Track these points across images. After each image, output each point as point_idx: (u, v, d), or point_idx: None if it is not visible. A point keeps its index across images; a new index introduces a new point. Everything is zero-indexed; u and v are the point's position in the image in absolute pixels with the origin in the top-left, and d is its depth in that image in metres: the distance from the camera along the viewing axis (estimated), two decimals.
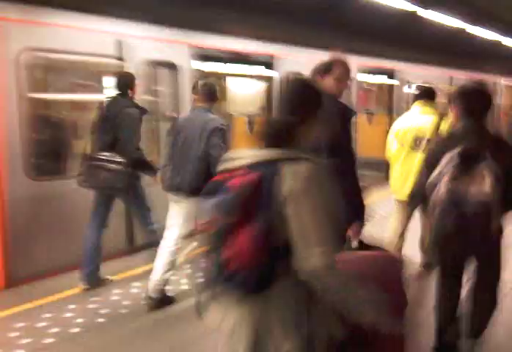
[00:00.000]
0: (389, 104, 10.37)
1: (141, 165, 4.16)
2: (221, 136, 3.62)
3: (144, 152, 4.33)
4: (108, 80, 5.33)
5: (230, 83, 9.61)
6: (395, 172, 4.31)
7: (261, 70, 7.22)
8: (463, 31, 10.23)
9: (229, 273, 1.55)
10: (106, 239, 4.38)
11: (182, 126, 3.81)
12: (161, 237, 3.96)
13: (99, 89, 5.34)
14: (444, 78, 11.78)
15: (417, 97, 4.36)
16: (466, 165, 2.31)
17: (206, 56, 6.01)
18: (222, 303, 1.67)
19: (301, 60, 7.42)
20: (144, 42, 5.25)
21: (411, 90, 10.56)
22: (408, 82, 10.29)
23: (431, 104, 4.25)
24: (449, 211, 2.32)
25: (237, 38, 6.35)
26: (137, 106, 4.15)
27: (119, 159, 3.92)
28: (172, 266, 3.83)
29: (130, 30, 5.14)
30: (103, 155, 3.95)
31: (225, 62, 6.61)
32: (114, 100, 4.16)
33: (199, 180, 3.49)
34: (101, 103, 4.30)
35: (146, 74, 5.34)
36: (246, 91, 9.55)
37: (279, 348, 1.58)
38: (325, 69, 2.92)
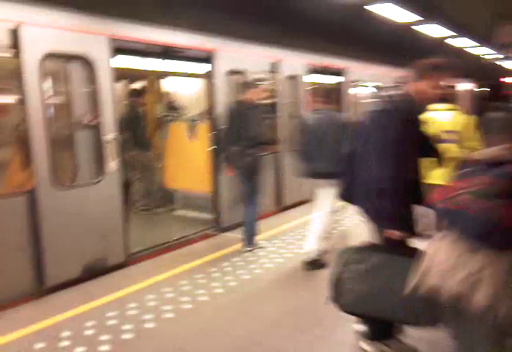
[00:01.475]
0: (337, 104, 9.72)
1: (263, 144, 5.42)
2: (347, 129, 4.44)
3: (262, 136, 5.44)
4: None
5: (164, 83, 8.62)
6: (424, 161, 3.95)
7: (198, 67, 6.30)
8: (409, 28, 9.72)
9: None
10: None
11: (315, 124, 4.65)
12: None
13: None
14: (390, 77, 11.33)
15: None
16: None
17: (130, 50, 5.01)
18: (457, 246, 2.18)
19: (242, 57, 6.57)
20: (48, 32, 4.17)
21: (358, 90, 10.07)
22: (354, 82, 9.71)
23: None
24: None
25: (170, 29, 5.37)
26: (256, 107, 5.29)
27: (254, 147, 5.09)
28: (323, 239, 4.73)
29: (29, 16, 4.06)
30: (242, 145, 5.05)
31: (155, 58, 5.62)
32: (238, 104, 5.34)
33: (335, 165, 4.15)
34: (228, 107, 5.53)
35: (51, 71, 4.27)
36: (182, 91, 8.59)
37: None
38: (421, 73, 2.94)
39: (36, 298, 4.10)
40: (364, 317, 3.04)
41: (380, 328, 3.05)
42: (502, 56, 15.00)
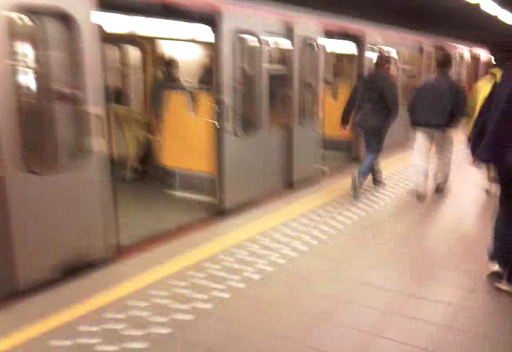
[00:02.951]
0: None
1: (393, 114, 6.18)
2: (464, 92, 5.83)
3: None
4: None
5: (168, 49, 7.77)
6: None
7: (202, 30, 5.47)
8: None
9: None
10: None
11: (430, 85, 5.88)
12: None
13: None
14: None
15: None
16: None
17: (120, 6, 4.17)
18: None
19: (252, 17, 5.71)
20: None
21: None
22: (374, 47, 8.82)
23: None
24: None
25: None
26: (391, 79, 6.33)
27: (380, 111, 6.04)
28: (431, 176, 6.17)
29: None
30: (370, 108, 6.05)
31: (155, 16, 4.79)
32: (375, 75, 6.25)
33: (446, 119, 5.71)
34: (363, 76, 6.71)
35: (20, 28, 3.47)
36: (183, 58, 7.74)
37: None
38: None
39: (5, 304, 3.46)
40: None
41: None
42: None
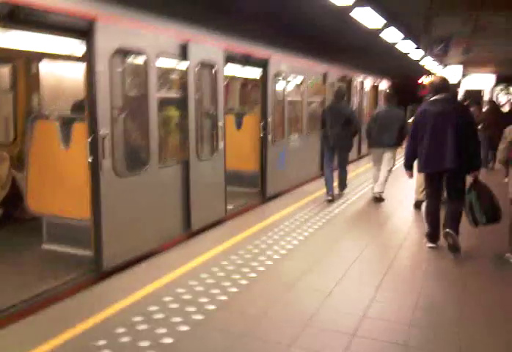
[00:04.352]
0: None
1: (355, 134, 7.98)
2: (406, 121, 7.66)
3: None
4: None
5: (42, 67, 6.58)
6: None
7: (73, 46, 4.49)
8: (343, 13, 8.38)
9: None
10: None
11: (383, 114, 7.56)
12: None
13: None
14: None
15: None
16: None
17: None
18: None
19: (139, 32, 4.83)
20: None
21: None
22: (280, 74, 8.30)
23: None
24: None
25: None
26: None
27: (350, 132, 7.62)
28: (383, 183, 7.56)
29: None
30: (340, 131, 7.43)
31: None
32: (339, 104, 7.61)
33: (396, 139, 7.40)
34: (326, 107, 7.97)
35: None
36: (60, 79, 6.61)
37: None
38: None
39: None
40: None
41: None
42: (424, 53, 14.40)
